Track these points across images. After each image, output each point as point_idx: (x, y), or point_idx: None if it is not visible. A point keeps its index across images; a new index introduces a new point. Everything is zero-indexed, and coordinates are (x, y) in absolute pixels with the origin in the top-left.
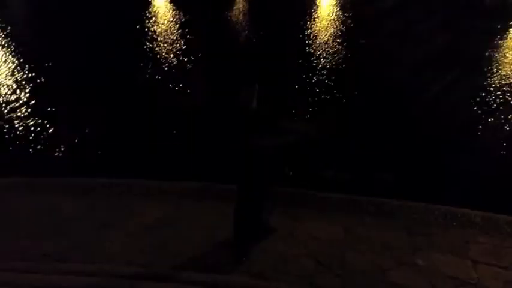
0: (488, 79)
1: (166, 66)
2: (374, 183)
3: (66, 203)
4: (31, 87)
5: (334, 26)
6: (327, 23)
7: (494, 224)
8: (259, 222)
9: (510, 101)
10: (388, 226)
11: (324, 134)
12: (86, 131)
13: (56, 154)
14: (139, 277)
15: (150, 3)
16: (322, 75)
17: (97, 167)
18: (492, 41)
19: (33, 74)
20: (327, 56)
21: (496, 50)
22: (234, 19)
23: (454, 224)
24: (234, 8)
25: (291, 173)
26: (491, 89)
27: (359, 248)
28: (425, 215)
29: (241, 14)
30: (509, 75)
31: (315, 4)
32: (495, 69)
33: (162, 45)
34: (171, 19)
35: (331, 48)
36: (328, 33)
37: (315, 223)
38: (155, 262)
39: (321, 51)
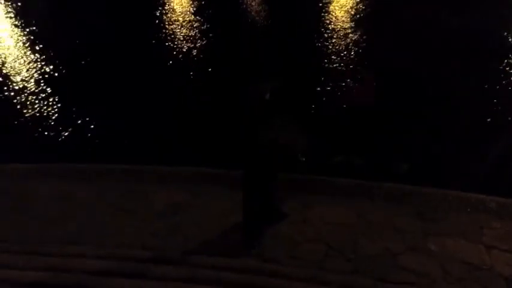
0: (504, 65)
1: (178, 54)
2: (386, 168)
3: (79, 189)
4: (44, 73)
5: (351, 15)
6: (344, 12)
7: (508, 209)
8: (270, 208)
9: None
10: (401, 211)
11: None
12: (100, 117)
13: (69, 141)
14: (151, 261)
15: None
16: (335, 61)
17: (110, 153)
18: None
19: (46, 61)
20: (341, 41)
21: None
22: (249, 7)
23: (468, 209)
24: None
25: (303, 158)
26: (508, 75)
27: (371, 233)
28: (438, 201)
29: (256, 2)
30: None
31: None
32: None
33: (174, 32)
34: (185, 5)
35: (346, 35)
36: (345, 22)
37: (326, 208)
38: (168, 246)
39: (335, 38)
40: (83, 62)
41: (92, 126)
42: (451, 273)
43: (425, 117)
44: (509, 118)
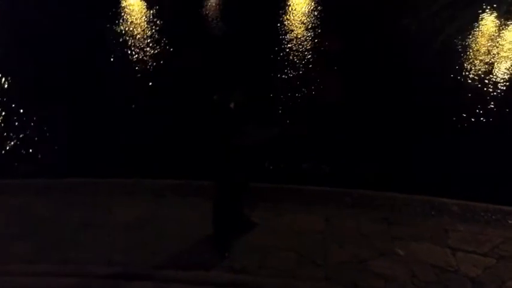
0: (463, 67)
1: (139, 64)
2: (353, 175)
3: (42, 204)
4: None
5: (312, 18)
6: (303, 15)
7: (472, 212)
8: (240, 217)
9: (487, 90)
10: (368, 217)
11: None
12: (61, 130)
13: (31, 155)
14: (119, 277)
15: None
16: (300, 68)
17: (74, 166)
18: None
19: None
20: (305, 47)
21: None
22: (208, 14)
23: (433, 213)
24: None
25: (271, 167)
26: (467, 78)
27: (340, 239)
28: (404, 205)
29: (216, 8)
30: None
31: None
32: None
33: (133, 41)
34: (141, 11)
35: (309, 40)
36: (306, 25)
37: (295, 216)
38: (136, 261)
39: (298, 43)
40: (35, 70)
41: (55, 139)
42: (419, 277)
43: (390, 122)
44: (471, 121)
